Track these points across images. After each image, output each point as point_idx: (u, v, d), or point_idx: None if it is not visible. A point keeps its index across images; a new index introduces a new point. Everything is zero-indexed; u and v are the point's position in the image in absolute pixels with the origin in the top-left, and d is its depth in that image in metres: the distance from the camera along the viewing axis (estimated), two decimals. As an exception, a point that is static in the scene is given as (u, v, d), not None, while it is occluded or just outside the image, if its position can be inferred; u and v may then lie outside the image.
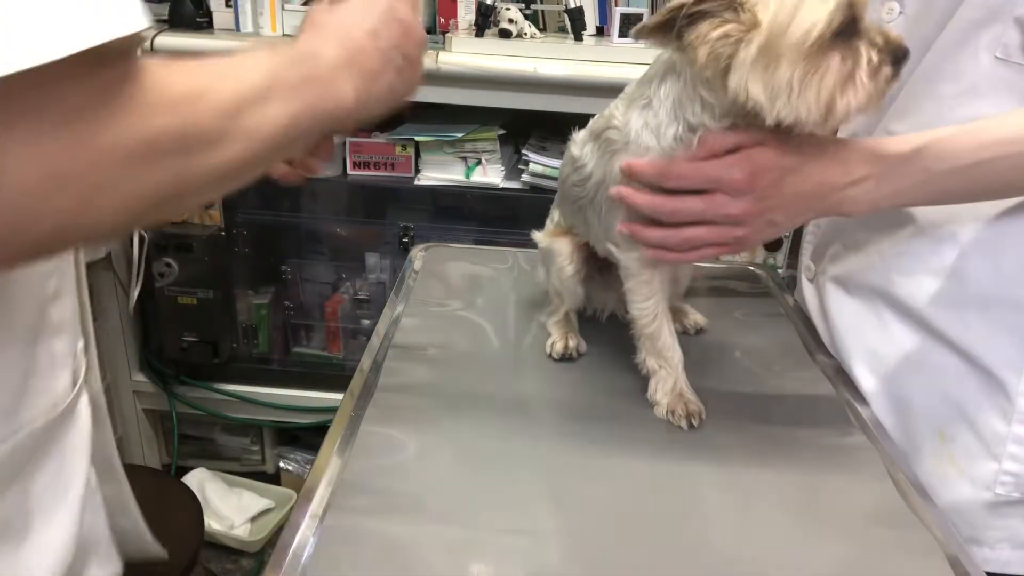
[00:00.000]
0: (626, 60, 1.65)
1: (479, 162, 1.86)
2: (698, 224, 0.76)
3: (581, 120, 0.89)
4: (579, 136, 0.89)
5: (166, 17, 1.89)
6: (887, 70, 0.69)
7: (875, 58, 0.68)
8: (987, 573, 0.70)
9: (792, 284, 1.16)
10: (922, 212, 0.83)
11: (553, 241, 0.98)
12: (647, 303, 0.85)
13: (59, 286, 0.58)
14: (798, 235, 1.09)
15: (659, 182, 0.76)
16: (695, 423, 0.83)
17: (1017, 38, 0.74)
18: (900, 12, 0.83)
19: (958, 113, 0.76)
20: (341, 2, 0.62)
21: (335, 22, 0.60)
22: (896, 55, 0.69)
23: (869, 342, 0.89)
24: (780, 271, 1.27)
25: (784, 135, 0.72)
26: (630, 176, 0.77)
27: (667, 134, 0.75)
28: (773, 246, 0.94)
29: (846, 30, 0.67)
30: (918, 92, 0.81)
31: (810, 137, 0.73)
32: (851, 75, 0.68)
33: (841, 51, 0.67)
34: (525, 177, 1.84)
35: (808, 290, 1.02)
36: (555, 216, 1.00)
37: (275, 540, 0.76)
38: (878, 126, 0.85)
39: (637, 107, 0.78)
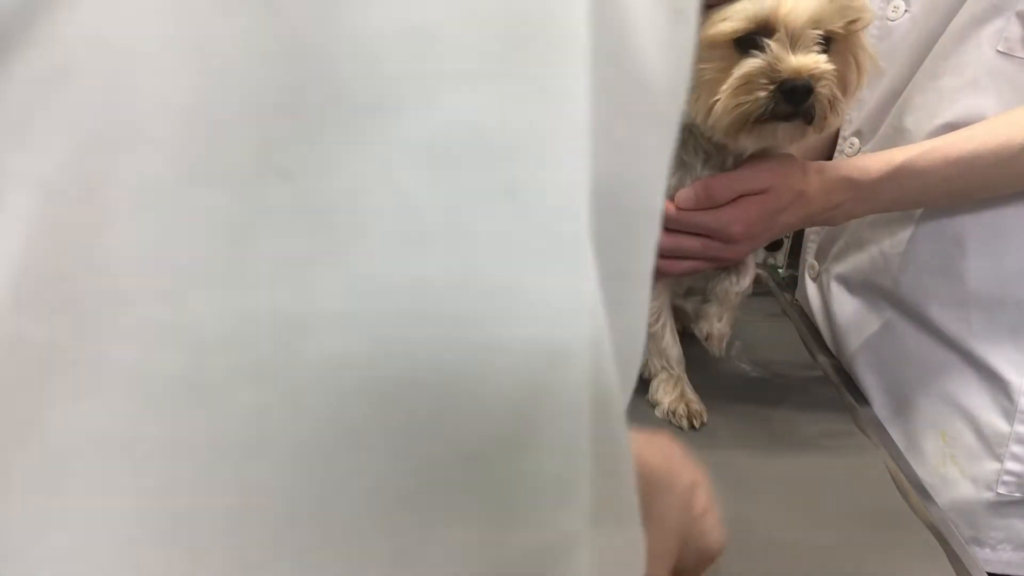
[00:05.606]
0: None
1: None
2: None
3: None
4: None
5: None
6: (761, 95, 0.66)
7: (754, 79, 0.66)
8: (989, 574, 0.69)
9: (792, 284, 1.15)
10: (925, 212, 0.83)
11: None
12: (651, 304, 0.85)
13: None
14: (799, 234, 1.09)
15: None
16: (696, 424, 0.82)
17: (1019, 32, 0.74)
18: (906, 11, 0.83)
19: (959, 106, 0.77)
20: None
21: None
22: (784, 88, 0.66)
23: (871, 341, 0.89)
24: (780, 271, 1.26)
25: (779, 168, 0.75)
26: None
27: None
28: (773, 246, 0.94)
29: (750, 43, 0.66)
30: (923, 87, 0.81)
31: (801, 169, 0.76)
32: (719, 83, 0.68)
33: (730, 60, 0.67)
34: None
35: (811, 289, 1.01)
36: None
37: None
38: (885, 122, 0.85)
39: None
